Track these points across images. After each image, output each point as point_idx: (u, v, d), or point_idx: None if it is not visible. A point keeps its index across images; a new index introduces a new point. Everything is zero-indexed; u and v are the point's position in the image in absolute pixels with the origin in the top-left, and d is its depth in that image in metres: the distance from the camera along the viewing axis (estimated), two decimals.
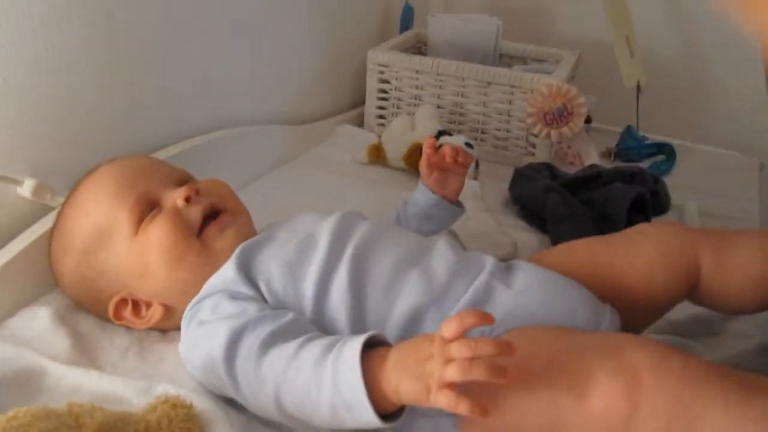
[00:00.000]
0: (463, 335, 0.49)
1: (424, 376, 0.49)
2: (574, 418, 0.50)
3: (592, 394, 0.50)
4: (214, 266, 0.66)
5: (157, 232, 0.66)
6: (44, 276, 0.74)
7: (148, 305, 0.69)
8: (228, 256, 0.66)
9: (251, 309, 0.61)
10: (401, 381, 0.50)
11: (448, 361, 0.48)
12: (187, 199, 0.68)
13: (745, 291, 0.67)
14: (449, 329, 0.49)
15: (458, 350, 0.48)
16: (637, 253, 0.69)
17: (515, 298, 0.63)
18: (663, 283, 0.67)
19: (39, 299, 0.74)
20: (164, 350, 0.69)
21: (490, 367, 0.48)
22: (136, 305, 0.69)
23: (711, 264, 0.67)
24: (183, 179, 0.73)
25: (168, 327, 0.71)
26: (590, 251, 0.72)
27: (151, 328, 0.70)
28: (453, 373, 0.48)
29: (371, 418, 0.51)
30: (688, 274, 0.68)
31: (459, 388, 0.48)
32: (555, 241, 0.97)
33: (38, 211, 0.77)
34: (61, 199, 0.77)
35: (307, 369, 0.54)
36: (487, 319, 0.50)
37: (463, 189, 0.82)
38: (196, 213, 0.68)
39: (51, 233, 0.72)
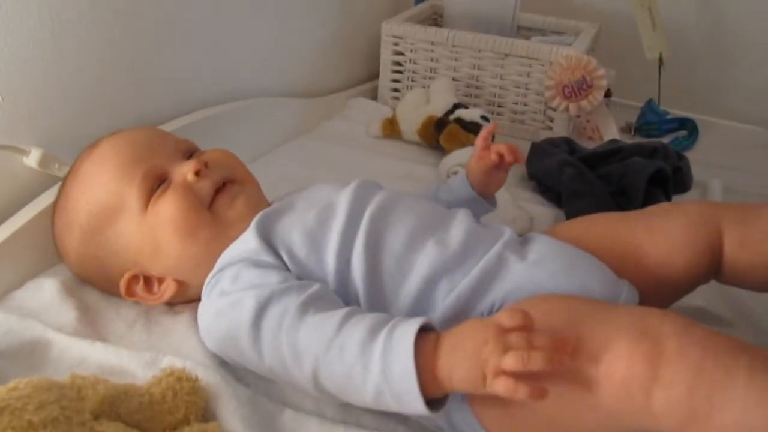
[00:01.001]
0: (521, 328, 0.48)
1: (479, 363, 0.48)
2: (594, 383, 0.49)
3: (614, 359, 0.49)
4: (226, 238, 0.65)
5: (168, 209, 0.65)
6: (51, 247, 0.73)
7: (161, 281, 0.67)
8: (240, 226, 0.65)
9: (275, 277, 0.59)
10: (455, 368, 0.49)
11: (506, 349, 0.47)
12: (197, 173, 0.66)
13: None
14: (510, 320, 0.48)
15: (517, 342, 0.47)
16: (658, 229, 0.67)
17: (527, 270, 0.61)
18: (685, 260, 0.65)
19: (46, 271, 0.73)
20: (171, 322, 0.68)
21: (548, 357, 0.46)
22: (148, 281, 0.68)
23: (735, 238, 0.65)
24: (189, 150, 0.71)
25: (179, 301, 0.70)
26: (609, 226, 0.70)
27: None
28: (511, 363, 0.46)
29: (420, 407, 0.50)
30: (712, 249, 0.65)
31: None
32: (570, 216, 0.94)
33: (45, 182, 0.76)
34: (67, 169, 0.76)
35: (351, 351, 0.52)
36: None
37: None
38: (206, 186, 0.66)
39: (53, 210, 0.70)
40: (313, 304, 0.56)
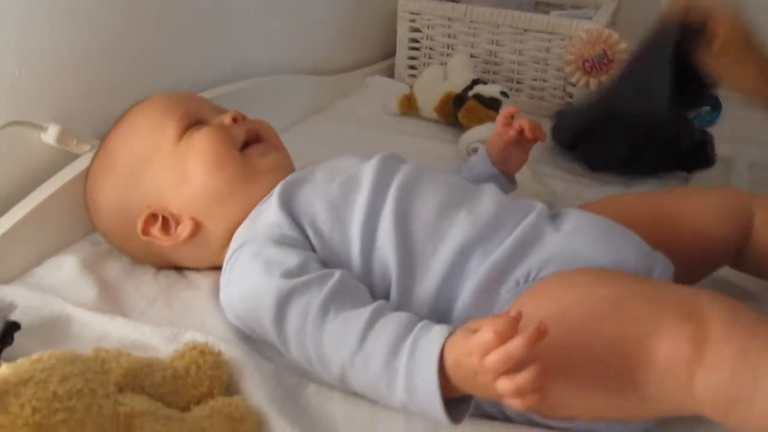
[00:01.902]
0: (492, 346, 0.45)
1: (484, 389, 0.47)
2: (637, 362, 0.48)
3: (659, 339, 0.48)
4: (250, 184, 0.66)
5: (201, 139, 0.67)
6: (70, 224, 0.73)
7: (178, 222, 0.67)
8: (266, 178, 0.67)
9: (295, 259, 0.58)
10: (467, 388, 0.48)
11: (495, 375, 0.45)
12: (235, 120, 0.69)
13: None
14: (485, 345, 0.45)
15: (494, 365, 0.44)
16: (694, 204, 0.68)
17: (562, 239, 0.60)
18: (719, 234, 0.66)
19: (65, 248, 0.72)
20: (192, 298, 0.67)
21: (534, 376, 0.43)
22: (165, 222, 0.67)
23: (763, 219, 0.66)
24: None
25: (194, 257, 0.69)
26: (644, 201, 0.72)
27: (173, 262, 0.70)
28: (506, 390, 0.44)
29: (445, 423, 0.49)
30: (743, 228, 0.67)
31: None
32: (585, 158, 0.98)
33: (63, 159, 0.75)
34: (86, 146, 0.76)
35: (376, 365, 0.51)
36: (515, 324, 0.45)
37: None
38: (241, 132, 0.69)
39: (93, 158, 0.72)
40: (335, 300, 0.55)
